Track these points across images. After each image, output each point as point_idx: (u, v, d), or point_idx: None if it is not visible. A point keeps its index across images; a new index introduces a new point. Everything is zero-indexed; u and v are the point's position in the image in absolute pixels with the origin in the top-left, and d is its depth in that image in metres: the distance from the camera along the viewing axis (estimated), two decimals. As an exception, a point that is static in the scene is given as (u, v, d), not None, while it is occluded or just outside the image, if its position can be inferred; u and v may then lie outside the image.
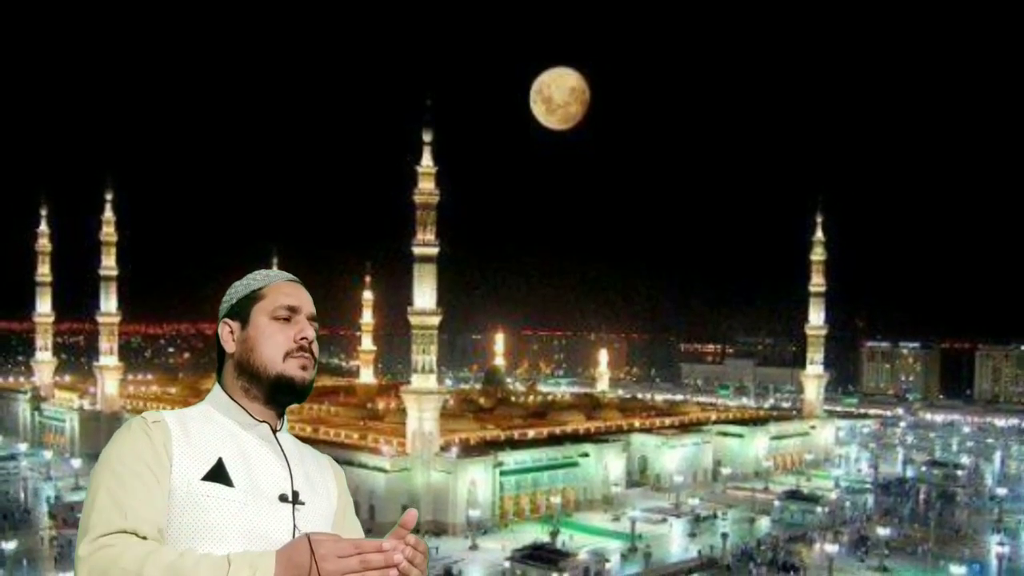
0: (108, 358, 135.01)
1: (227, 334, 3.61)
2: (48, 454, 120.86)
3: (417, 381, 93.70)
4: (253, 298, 3.62)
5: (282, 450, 3.34)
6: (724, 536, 79.77)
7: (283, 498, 3.18)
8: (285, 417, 3.50)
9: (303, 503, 3.21)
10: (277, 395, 3.40)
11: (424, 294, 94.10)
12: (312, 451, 3.55)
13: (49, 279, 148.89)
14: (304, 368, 3.48)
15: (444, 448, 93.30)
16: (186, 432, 3.14)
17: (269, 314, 3.56)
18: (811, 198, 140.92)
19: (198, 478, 3.04)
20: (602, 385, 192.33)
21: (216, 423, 3.26)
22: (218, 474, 3.09)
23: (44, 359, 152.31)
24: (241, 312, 3.61)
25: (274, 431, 3.41)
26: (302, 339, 3.53)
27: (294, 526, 3.15)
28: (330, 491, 3.44)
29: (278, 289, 3.65)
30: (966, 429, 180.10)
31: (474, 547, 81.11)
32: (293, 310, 3.60)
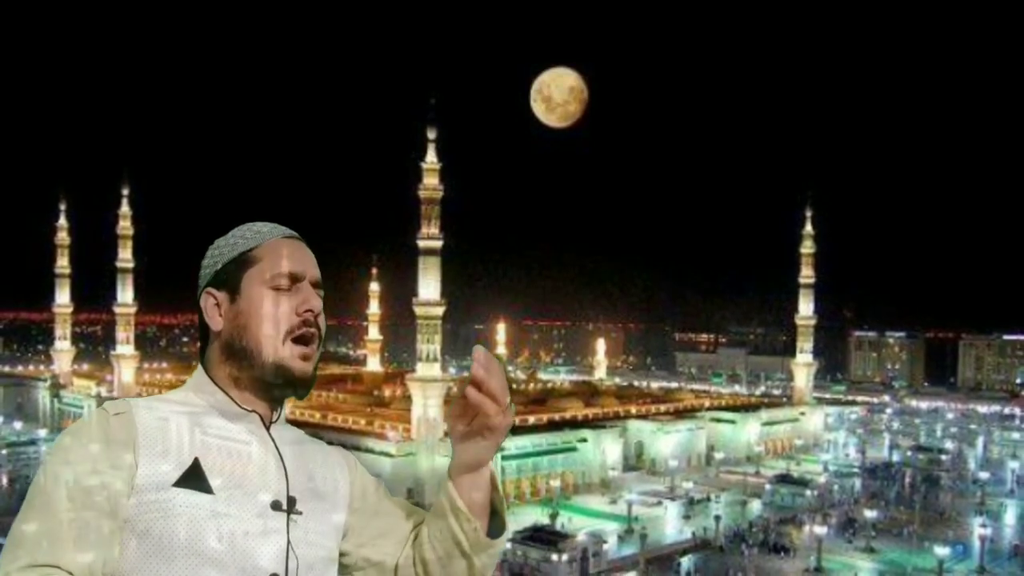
0: (124, 347, 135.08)
1: (211, 307, 2.72)
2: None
3: (422, 369, 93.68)
4: (243, 261, 2.71)
5: (276, 448, 2.61)
6: (717, 518, 79.74)
7: (276, 506, 2.50)
8: (283, 407, 2.76)
9: (300, 512, 2.54)
10: (272, 387, 2.64)
11: (428, 286, 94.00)
12: (318, 445, 2.80)
13: (68, 271, 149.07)
14: (306, 357, 2.64)
15: (448, 434, 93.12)
16: (158, 426, 2.46)
17: (265, 282, 2.68)
18: (801, 193, 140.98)
19: (170, 482, 2.37)
20: (600, 373, 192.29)
21: (196, 414, 2.56)
22: (194, 477, 2.42)
23: (63, 348, 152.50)
24: (228, 280, 2.71)
25: (267, 424, 2.66)
26: (306, 311, 2.68)
27: (288, 542, 2.49)
28: (339, 494, 2.74)
29: (275, 250, 2.73)
30: (950, 415, 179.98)
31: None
32: (294, 277, 2.71)
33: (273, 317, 2.65)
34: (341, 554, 2.76)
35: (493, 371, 2.62)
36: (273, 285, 2.67)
